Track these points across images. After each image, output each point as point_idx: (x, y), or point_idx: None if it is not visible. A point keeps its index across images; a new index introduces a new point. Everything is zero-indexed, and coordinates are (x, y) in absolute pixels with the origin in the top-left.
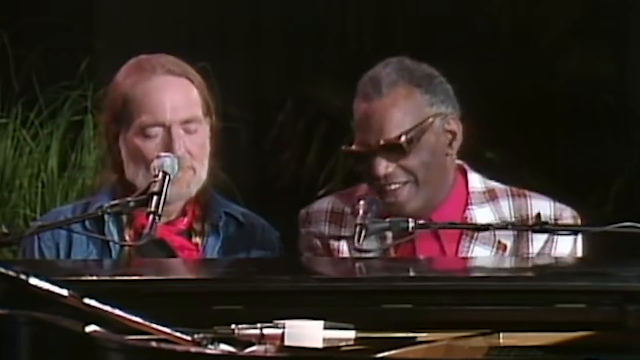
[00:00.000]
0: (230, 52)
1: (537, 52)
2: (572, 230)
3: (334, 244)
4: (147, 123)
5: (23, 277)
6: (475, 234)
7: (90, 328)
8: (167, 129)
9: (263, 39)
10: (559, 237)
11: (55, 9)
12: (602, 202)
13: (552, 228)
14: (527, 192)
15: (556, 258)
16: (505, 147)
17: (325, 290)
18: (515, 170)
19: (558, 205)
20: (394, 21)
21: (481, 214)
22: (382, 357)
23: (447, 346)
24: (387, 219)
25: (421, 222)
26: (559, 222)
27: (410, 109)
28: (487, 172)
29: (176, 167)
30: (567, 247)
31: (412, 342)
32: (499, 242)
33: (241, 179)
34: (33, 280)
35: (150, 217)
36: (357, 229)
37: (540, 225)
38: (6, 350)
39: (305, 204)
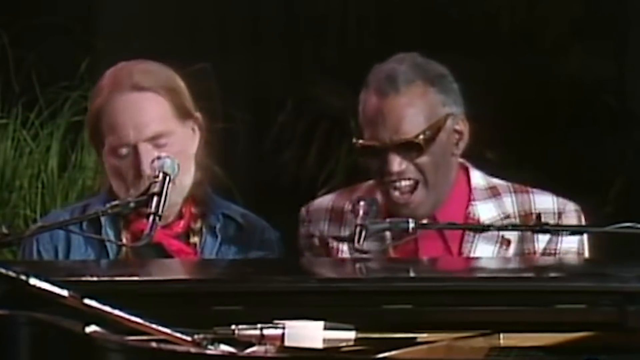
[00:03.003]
0: (230, 52)
1: (537, 52)
2: (572, 230)
3: (334, 243)
4: (114, 144)
5: (23, 277)
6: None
7: (90, 328)
8: (134, 148)
9: (263, 39)
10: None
11: (55, 9)
12: (602, 202)
13: (552, 228)
14: (529, 188)
15: (556, 258)
16: (506, 147)
17: (326, 290)
18: (516, 170)
19: (561, 199)
20: (395, 21)
21: (484, 210)
22: (382, 358)
23: (448, 347)
24: (387, 220)
25: (423, 222)
26: (563, 215)
27: (425, 108)
28: (487, 172)
29: (176, 168)
30: (573, 241)
31: (412, 342)
32: (503, 237)
33: (241, 179)
34: (33, 281)
35: (151, 218)
36: (357, 230)
37: (541, 226)
38: (6, 350)
39: (305, 204)
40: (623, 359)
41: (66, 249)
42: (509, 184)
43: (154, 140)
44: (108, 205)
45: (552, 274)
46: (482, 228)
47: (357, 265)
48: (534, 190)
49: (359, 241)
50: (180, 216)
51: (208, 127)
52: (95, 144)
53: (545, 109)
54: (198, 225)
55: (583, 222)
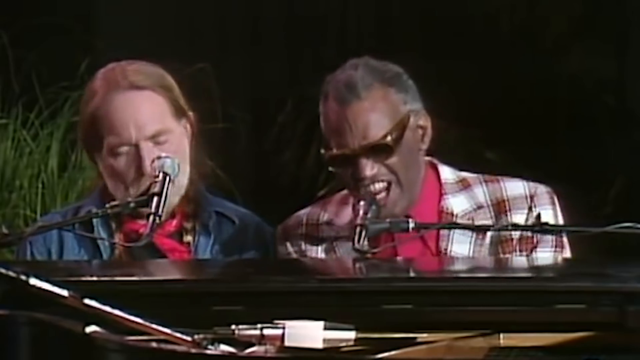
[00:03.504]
0: (230, 52)
1: (537, 52)
2: (572, 231)
3: (312, 254)
4: (114, 144)
5: (23, 277)
6: (454, 221)
7: (90, 328)
8: (135, 147)
9: (263, 39)
10: (540, 214)
11: (55, 9)
12: (602, 202)
13: (552, 228)
14: (499, 177)
15: (556, 258)
16: (505, 147)
17: (326, 290)
18: (515, 170)
19: (532, 183)
20: (395, 21)
21: (457, 203)
22: (382, 358)
23: (447, 347)
24: (387, 220)
25: (423, 223)
26: (535, 198)
27: (388, 109)
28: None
29: (177, 168)
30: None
31: (412, 342)
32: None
33: (241, 179)
34: (33, 281)
35: (151, 218)
36: (357, 230)
37: (541, 226)
38: (6, 350)
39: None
40: (623, 359)
41: (59, 251)
42: (479, 175)
43: (155, 138)
44: (108, 205)
45: (552, 274)
46: (481, 228)
47: (357, 265)
48: (504, 178)
49: (359, 241)
50: (172, 215)
51: (207, 127)
52: (89, 147)
53: (545, 109)
54: (191, 223)
55: (556, 203)
